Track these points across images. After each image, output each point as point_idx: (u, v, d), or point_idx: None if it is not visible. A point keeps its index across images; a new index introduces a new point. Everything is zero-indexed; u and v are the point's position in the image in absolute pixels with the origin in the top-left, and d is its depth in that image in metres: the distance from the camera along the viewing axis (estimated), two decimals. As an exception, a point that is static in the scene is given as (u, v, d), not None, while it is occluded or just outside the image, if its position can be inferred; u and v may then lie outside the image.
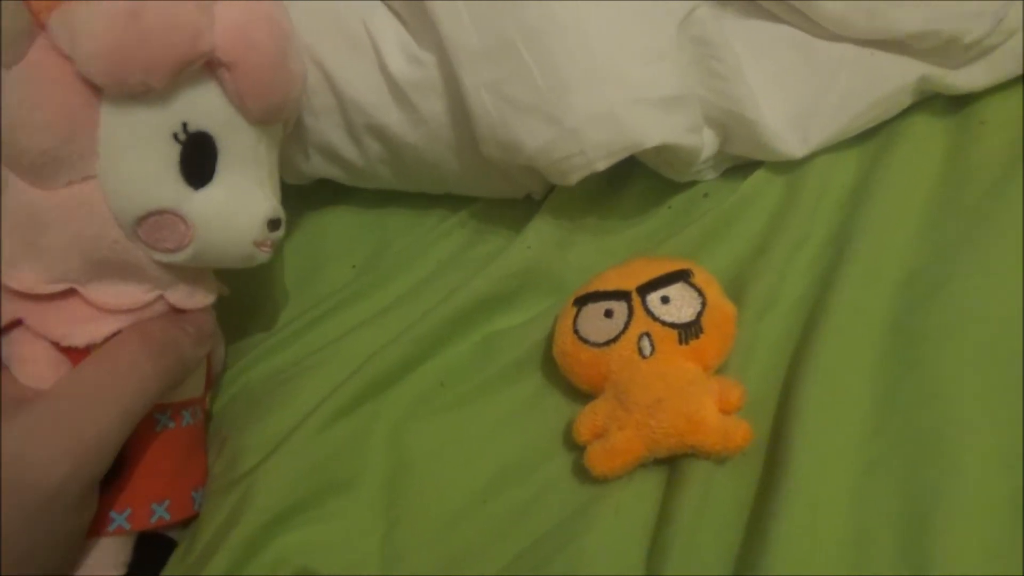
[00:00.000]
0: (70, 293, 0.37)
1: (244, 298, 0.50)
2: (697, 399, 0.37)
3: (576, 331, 0.41)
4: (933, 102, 0.52)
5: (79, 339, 0.37)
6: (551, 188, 0.50)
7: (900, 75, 0.49)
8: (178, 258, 0.37)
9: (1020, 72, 0.51)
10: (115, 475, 0.38)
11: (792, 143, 0.49)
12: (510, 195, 0.51)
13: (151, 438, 0.39)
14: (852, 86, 0.49)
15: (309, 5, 0.46)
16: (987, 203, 0.45)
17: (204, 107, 0.36)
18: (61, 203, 0.35)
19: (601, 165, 0.43)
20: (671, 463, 0.39)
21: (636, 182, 0.51)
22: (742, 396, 0.38)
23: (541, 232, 0.48)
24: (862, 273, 0.43)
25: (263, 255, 0.40)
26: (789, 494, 0.35)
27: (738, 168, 0.51)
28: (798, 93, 0.49)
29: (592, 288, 0.42)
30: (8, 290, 0.37)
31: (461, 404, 0.42)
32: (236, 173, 0.38)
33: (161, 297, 0.39)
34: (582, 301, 0.42)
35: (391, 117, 0.47)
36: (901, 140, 0.50)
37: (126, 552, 0.39)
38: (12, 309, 0.37)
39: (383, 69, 0.47)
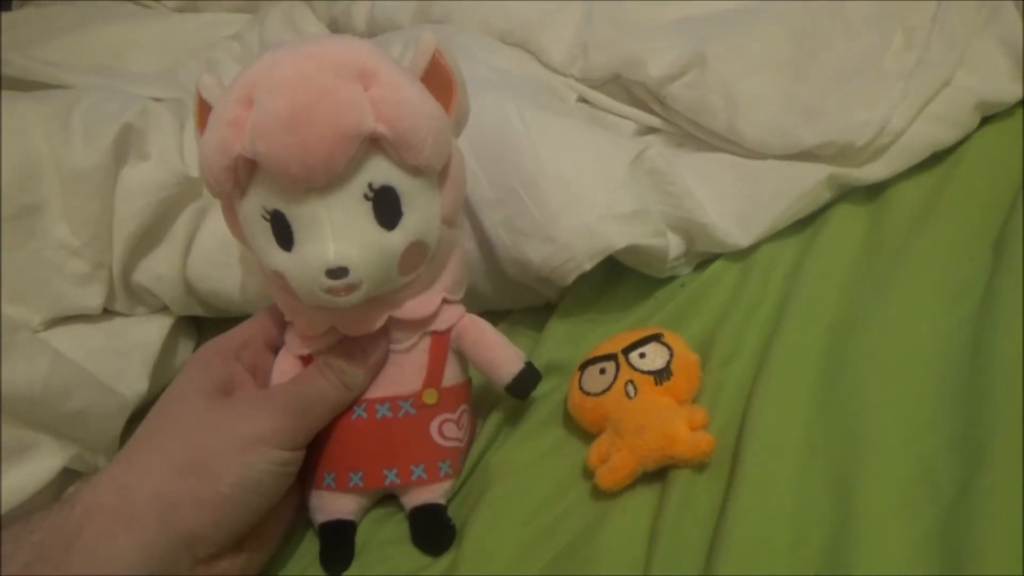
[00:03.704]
0: None
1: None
2: (671, 422, 0.50)
3: (581, 387, 0.54)
4: (855, 192, 0.66)
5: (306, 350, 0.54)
6: (562, 294, 0.66)
7: (813, 176, 0.64)
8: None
9: (915, 162, 0.65)
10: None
11: (739, 237, 0.63)
12: (532, 303, 0.66)
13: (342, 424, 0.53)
14: (778, 189, 0.64)
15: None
16: (893, 264, 0.59)
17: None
18: None
19: (587, 266, 0.58)
20: (662, 475, 0.51)
21: (627, 283, 0.66)
22: (705, 417, 0.51)
23: (556, 330, 0.63)
24: (800, 322, 0.57)
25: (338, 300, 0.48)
26: (744, 488, 0.47)
27: (706, 261, 0.66)
28: (738, 199, 0.64)
29: (590, 355, 0.56)
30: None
31: (505, 449, 0.56)
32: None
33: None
34: (583, 366, 0.56)
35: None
36: (829, 224, 0.64)
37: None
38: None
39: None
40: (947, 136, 0.66)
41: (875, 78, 0.68)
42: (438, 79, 0.48)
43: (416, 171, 0.48)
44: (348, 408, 0.53)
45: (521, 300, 0.66)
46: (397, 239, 0.48)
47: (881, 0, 0.74)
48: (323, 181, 0.45)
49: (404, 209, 0.47)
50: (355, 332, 0.52)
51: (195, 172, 0.68)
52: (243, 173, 0.46)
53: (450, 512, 0.54)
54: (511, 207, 0.60)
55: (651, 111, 0.73)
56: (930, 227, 0.61)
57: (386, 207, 0.47)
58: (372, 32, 0.93)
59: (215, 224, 0.68)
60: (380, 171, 0.46)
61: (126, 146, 0.64)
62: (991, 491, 0.43)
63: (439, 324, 0.54)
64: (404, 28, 0.89)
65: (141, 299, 0.68)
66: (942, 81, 0.67)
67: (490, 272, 0.63)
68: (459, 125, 0.51)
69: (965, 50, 0.68)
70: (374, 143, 0.46)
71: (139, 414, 0.61)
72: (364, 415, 0.53)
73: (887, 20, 0.72)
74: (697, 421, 0.50)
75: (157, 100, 0.71)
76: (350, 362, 0.52)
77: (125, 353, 0.64)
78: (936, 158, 0.66)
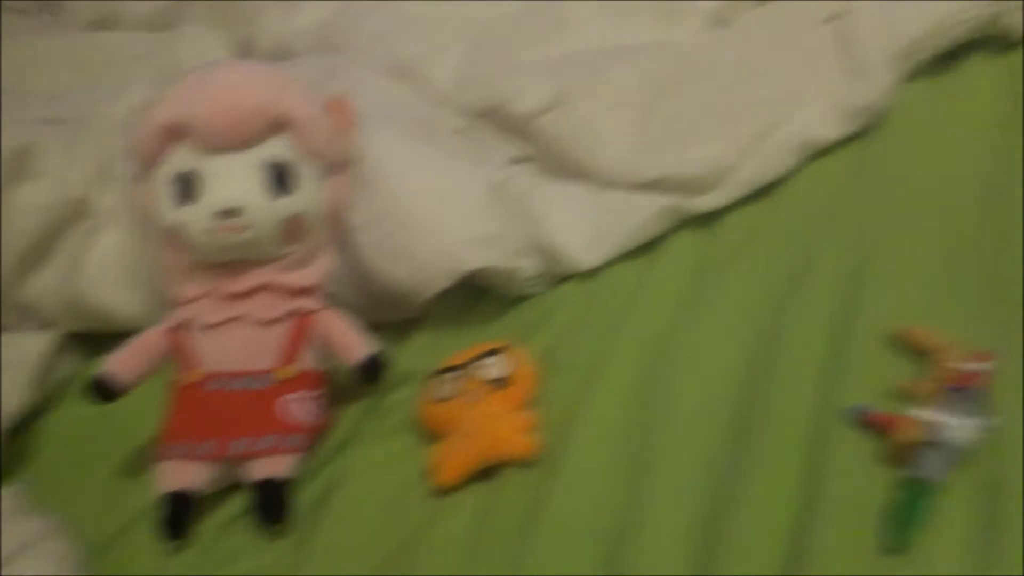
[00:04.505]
0: None
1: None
2: (502, 425, 0.57)
3: (430, 395, 0.60)
4: (693, 220, 0.74)
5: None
6: (426, 309, 0.71)
7: (655, 205, 0.71)
8: None
9: (745, 194, 0.74)
10: None
11: (588, 259, 0.71)
12: (399, 317, 0.72)
13: None
14: (625, 216, 0.72)
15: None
16: (714, 285, 0.67)
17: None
18: None
19: (443, 285, 0.64)
20: (495, 472, 0.57)
21: (487, 301, 0.72)
22: (532, 422, 0.57)
23: (417, 342, 0.69)
24: (632, 336, 0.64)
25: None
26: (560, 481, 0.54)
27: (560, 281, 0.72)
28: (589, 225, 0.71)
29: (441, 366, 0.62)
30: None
31: (358, 450, 0.61)
32: None
33: None
34: (433, 375, 0.62)
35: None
36: (667, 248, 0.72)
37: None
38: None
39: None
40: (773, 171, 0.74)
41: (714, 120, 0.76)
42: (344, 113, 0.66)
43: (308, 157, 0.62)
44: (204, 381, 0.59)
45: (390, 314, 0.71)
46: (282, 205, 0.61)
47: (728, 47, 0.83)
48: (232, 142, 0.59)
49: (292, 185, 0.61)
50: (232, 289, 0.60)
51: (84, 192, 0.72)
52: (166, 142, 0.60)
53: (299, 506, 0.58)
54: (378, 230, 0.66)
55: (521, 143, 0.80)
56: (751, 254, 0.69)
57: (278, 178, 0.60)
58: (274, 58, 0.99)
59: (105, 242, 0.73)
60: (279, 150, 0.61)
61: (14, 168, 0.68)
62: (754, 477, 0.51)
63: (304, 305, 0.62)
64: (302, 56, 0.95)
65: (28, 315, 0.72)
66: (770, 123, 0.75)
67: (359, 286, 0.69)
68: (355, 150, 0.66)
69: (793, 96, 0.77)
70: (277, 127, 0.60)
71: (19, 427, 0.66)
72: (220, 387, 0.59)
73: (730, 68, 0.80)
74: (525, 425, 0.57)
75: (48, 122, 0.75)
76: None
77: (5, 367, 0.67)
78: (763, 190, 0.74)
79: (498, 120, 0.80)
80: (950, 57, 0.83)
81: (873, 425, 0.52)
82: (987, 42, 0.83)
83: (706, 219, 0.74)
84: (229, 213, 0.58)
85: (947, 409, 0.51)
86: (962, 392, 0.52)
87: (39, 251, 0.70)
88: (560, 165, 0.76)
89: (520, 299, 0.72)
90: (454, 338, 0.69)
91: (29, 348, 0.69)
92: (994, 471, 0.49)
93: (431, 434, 0.60)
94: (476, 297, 0.73)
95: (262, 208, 0.59)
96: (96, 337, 0.74)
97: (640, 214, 0.71)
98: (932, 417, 0.50)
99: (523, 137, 0.79)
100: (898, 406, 0.53)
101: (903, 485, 0.49)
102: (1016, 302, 0.58)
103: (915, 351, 0.57)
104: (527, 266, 0.70)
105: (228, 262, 0.61)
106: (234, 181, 0.59)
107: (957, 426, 0.49)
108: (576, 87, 0.77)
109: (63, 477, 0.64)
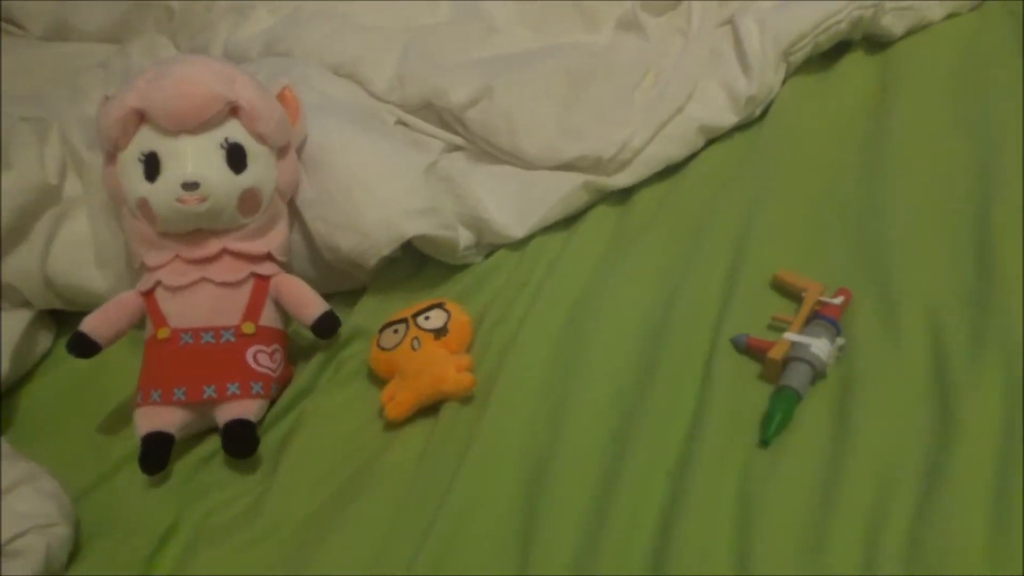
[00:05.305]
0: None
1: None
2: (441, 366, 0.65)
3: (379, 344, 0.69)
4: (609, 196, 0.83)
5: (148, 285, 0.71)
6: (375, 278, 0.79)
7: (573, 183, 0.81)
8: None
9: (654, 172, 0.84)
10: None
11: (515, 230, 0.80)
12: (351, 287, 0.80)
13: None
14: (547, 193, 0.81)
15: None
16: (628, 253, 0.76)
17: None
18: None
19: (386, 251, 0.73)
20: (438, 408, 0.65)
21: (430, 269, 0.80)
22: (471, 362, 0.66)
23: (366, 304, 0.77)
24: (554, 296, 0.73)
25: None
26: (490, 416, 0.62)
27: (493, 251, 0.81)
28: (516, 201, 0.81)
29: (387, 320, 0.70)
30: None
31: (316, 397, 0.69)
32: None
33: None
34: (382, 329, 0.70)
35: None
36: (586, 221, 0.82)
37: None
38: None
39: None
40: (678, 153, 0.85)
41: (626, 108, 0.86)
42: (287, 103, 0.73)
43: (261, 139, 0.70)
44: (175, 336, 0.66)
45: (341, 284, 0.79)
46: (240, 180, 0.69)
47: (639, 45, 0.94)
48: (193, 124, 0.67)
49: (248, 163, 0.70)
50: (196, 255, 0.68)
51: (55, 180, 0.78)
52: (131, 126, 0.68)
53: (264, 446, 0.66)
54: (327, 204, 0.74)
55: (456, 132, 0.89)
56: (659, 223, 0.79)
57: (235, 157, 0.69)
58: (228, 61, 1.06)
59: (73, 226, 0.79)
60: (236, 132, 0.70)
61: (-6, 157, 0.74)
62: (656, 399, 0.60)
63: (263, 270, 0.70)
64: (253, 59, 1.02)
65: (5, 295, 0.78)
66: (675, 110, 0.86)
67: (313, 259, 0.77)
68: (300, 135, 0.75)
69: (695, 87, 0.88)
70: (233, 112, 0.69)
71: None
72: (190, 341, 0.66)
73: (641, 63, 0.91)
74: (463, 365, 0.65)
75: (24, 119, 0.81)
76: None
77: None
78: (670, 170, 0.85)
79: (433, 112, 0.89)
80: (835, 52, 0.95)
81: (753, 349, 0.62)
82: (869, 40, 0.95)
83: (621, 195, 0.84)
84: (190, 186, 0.66)
85: (811, 333, 0.61)
86: (822, 320, 0.62)
87: (14, 234, 0.76)
88: (488, 150, 0.85)
89: (458, 268, 0.80)
90: (400, 301, 0.77)
91: (10, 325, 0.75)
92: (843, 385, 0.59)
93: (381, 379, 0.68)
94: (419, 267, 0.81)
95: (220, 182, 0.67)
96: (70, 315, 0.80)
97: (561, 191, 0.81)
98: (798, 339, 0.61)
99: (456, 127, 0.88)
100: (774, 335, 0.63)
101: (774, 395, 0.59)
102: (870, 251, 0.69)
103: (790, 291, 0.67)
104: (463, 236, 0.78)
105: (191, 232, 0.69)
106: (194, 158, 0.67)
107: (817, 345, 0.60)
108: (501, 81, 0.86)
109: (46, 435, 0.71)
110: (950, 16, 0.94)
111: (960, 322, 0.60)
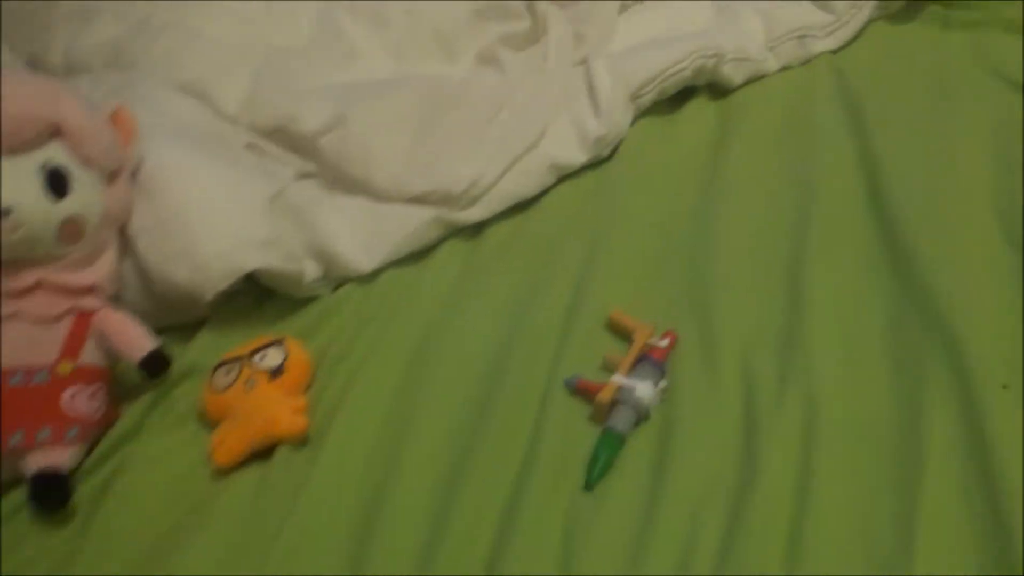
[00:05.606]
0: None
1: None
2: (275, 409, 0.63)
3: (211, 386, 0.66)
4: (462, 230, 0.84)
5: None
6: (215, 310, 0.77)
7: (423, 217, 0.81)
8: None
9: (506, 207, 0.85)
10: None
11: (363, 263, 0.79)
12: (187, 320, 0.77)
13: None
14: (397, 226, 0.81)
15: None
16: (479, 282, 0.77)
17: None
18: None
19: (222, 285, 0.70)
20: (274, 450, 0.64)
21: (274, 303, 0.79)
22: (304, 405, 0.65)
23: (202, 339, 0.74)
24: (399, 330, 0.73)
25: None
26: (323, 459, 0.61)
27: (341, 283, 0.80)
28: (365, 233, 0.80)
29: (222, 359, 0.68)
30: None
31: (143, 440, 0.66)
32: None
33: None
34: (215, 367, 0.67)
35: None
36: (438, 255, 0.82)
37: None
38: None
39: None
40: (529, 189, 0.86)
41: (478, 142, 0.87)
42: (121, 123, 0.71)
43: (88, 162, 0.67)
44: None
45: (177, 317, 0.76)
46: (60, 208, 0.66)
47: (496, 79, 0.95)
48: (8, 146, 0.63)
49: (72, 188, 0.66)
50: (9, 287, 0.64)
51: None
52: None
53: (82, 494, 0.62)
54: (159, 234, 0.71)
55: (308, 159, 0.87)
56: (508, 259, 0.81)
57: (56, 182, 0.66)
58: (67, 71, 1.00)
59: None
60: (58, 155, 0.66)
61: None
62: (489, 440, 0.61)
63: (85, 304, 0.67)
64: (95, 71, 0.97)
65: None
66: (528, 147, 0.87)
67: (146, 291, 0.73)
68: (133, 158, 0.72)
69: (547, 125, 0.90)
70: (56, 133, 0.65)
71: None
72: None
73: (496, 98, 0.92)
74: (298, 407, 0.64)
75: None
76: None
77: None
78: (521, 205, 0.86)
79: (284, 138, 0.87)
80: (680, 97, 1.00)
81: (583, 391, 0.64)
82: (711, 87, 1.01)
83: (473, 229, 0.85)
84: (3, 212, 0.62)
85: (637, 375, 0.64)
86: (649, 362, 0.65)
87: None
88: (340, 180, 0.84)
89: (305, 301, 0.79)
90: (240, 336, 0.74)
91: None
92: (665, 426, 0.62)
93: (213, 422, 0.66)
94: (262, 300, 0.79)
95: (33, 209, 0.64)
96: None
97: (412, 225, 0.81)
98: (624, 382, 0.63)
99: (307, 155, 0.86)
100: (605, 376, 0.65)
101: (600, 438, 0.61)
102: (697, 291, 0.73)
103: (622, 332, 0.70)
104: (308, 269, 0.77)
105: (10, 261, 0.64)
106: (8, 183, 0.63)
107: (641, 388, 0.62)
108: (354, 110, 0.86)
109: None
110: (784, 68, 1.01)
111: (768, 362, 0.64)
